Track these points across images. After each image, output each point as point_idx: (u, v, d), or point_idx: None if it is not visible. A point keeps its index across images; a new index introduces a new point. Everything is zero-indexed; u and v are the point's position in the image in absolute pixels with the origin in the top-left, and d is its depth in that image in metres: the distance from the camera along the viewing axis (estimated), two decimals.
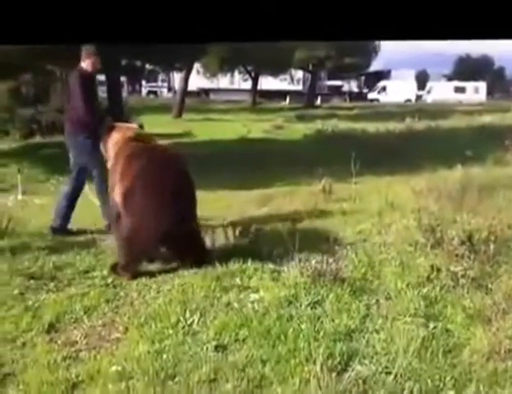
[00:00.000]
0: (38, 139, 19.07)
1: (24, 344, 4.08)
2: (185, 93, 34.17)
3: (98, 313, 4.64)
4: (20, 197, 10.06)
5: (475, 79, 56.23)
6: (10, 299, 4.87)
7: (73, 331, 4.32)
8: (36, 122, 19.15)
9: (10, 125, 19.18)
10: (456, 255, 5.11)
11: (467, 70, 64.42)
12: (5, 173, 12.97)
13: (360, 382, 3.31)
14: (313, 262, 4.97)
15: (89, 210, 7.62)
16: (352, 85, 64.59)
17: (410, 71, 62.06)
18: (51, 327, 4.35)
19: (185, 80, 33.75)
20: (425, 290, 4.60)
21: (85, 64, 7.13)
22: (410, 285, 4.70)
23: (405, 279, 4.83)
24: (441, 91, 54.14)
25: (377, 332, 3.98)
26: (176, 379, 3.49)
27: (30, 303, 4.79)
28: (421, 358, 3.59)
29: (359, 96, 59.70)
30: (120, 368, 3.63)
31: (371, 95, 57.71)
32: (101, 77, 21.21)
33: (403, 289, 4.65)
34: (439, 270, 4.89)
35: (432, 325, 4.03)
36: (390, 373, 3.38)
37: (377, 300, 4.52)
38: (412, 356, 3.58)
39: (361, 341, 3.84)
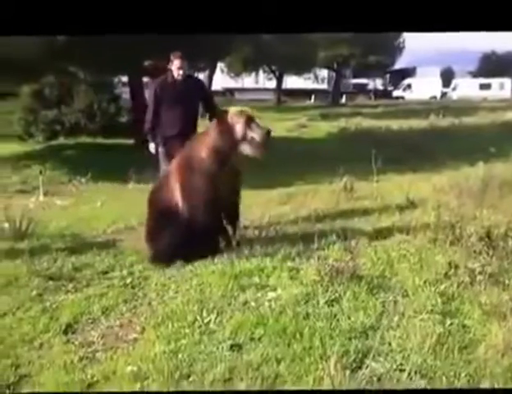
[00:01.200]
0: (61, 140, 19.23)
1: (41, 345, 4.12)
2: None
3: (115, 313, 4.66)
4: (41, 198, 10.17)
5: (500, 75, 55.52)
6: (28, 300, 4.92)
7: (90, 331, 4.35)
8: (59, 124, 19.32)
9: (33, 127, 19.36)
10: (474, 252, 5.07)
11: (492, 66, 63.61)
12: (28, 175, 13.11)
13: (375, 379, 3.29)
14: (331, 260, 4.95)
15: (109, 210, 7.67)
16: (377, 83, 64.24)
17: (435, 69, 61.55)
18: (68, 328, 4.38)
19: (209, 80, 33.82)
20: (442, 287, 4.54)
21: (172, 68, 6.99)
22: (428, 282, 4.65)
23: (423, 276, 4.78)
24: (466, 88, 53.62)
25: (393, 329, 3.94)
26: (191, 379, 3.49)
27: (48, 304, 4.84)
28: (436, 354, 3.55)
29: (385, 94, 59.31)
30: (135, 368, 3.63)
31: (396, 93, 57.35)
32: (124, 78, 21.40)
33: (420, 286, 4.60)
34: (457, 267, 4.83)
35: (448, 322, 3.98)
36: (404, 370, 3.35)
37: (394, 298, 4.48)
38: (427, 353, 3.54)
39: (376, 338, 3.81)
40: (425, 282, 4.62)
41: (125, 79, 21.66)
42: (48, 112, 19.45)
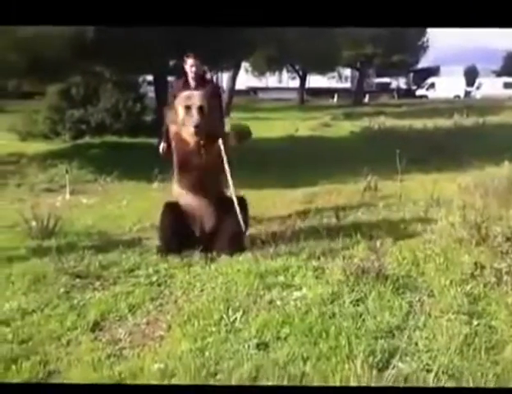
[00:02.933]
0: (86, 139, 19.34)
1: (69, 342, 4.14)
2: (233, 92, 34.24)
3: (142, 311, 4.68)
4: (68, 197, 10.24)
5: None
6: (55, 297, 4.94)
7: (117, 329, 4.36)
8: (85, 123, 19.41)
9: (59, 126, 19.48)
10: (501, 252, 5.03)
11: None
12: (54, 174, 13.20)
13: (401, 379, 3.27)
14: (356, 259, 4.93)
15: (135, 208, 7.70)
16: (400, 82, 63.85)
17: (459, 67, 61.15)
18: (95, 326, 4.40)
19: (233, 80, 33.82)
20: (468, 288, 4.52)
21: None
22: (454, 282, 4.62)
23: (449, 276, 4.76)
24: (490, 87, 53.07)
25: (420, 329, 3.93)
26: (218, 377, 3.50)
27: (76, 301, 4.86)
28: (463, 355, 3.52)
29: (408, 93, 58.92)
30: (162, 365, 3.64)
31: (419, 92, 56.97)
32: (149, 77, 21.47)
33: (446, 286, 4.58)
34: (483, 267, 4.81)
35: (475, 322, 3.96)
36: (431, 370, 3.33)
37: (420, 298, 4.46)
38: (454, 354, 3.51)
39: (403, 338, 3.79)
40: (451, 282, 4.60)
41: (150, 78, 21.71)
42: (74, 111, 19.53)
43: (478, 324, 3.93)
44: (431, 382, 3.21)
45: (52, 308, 4.74)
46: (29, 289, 5.16)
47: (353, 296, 4.43)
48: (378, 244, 5.42)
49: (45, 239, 6.71)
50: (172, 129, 6.15)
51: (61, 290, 5.13)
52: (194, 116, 5.89)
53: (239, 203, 6.14)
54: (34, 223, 6.86)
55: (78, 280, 5.38)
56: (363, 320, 4.04)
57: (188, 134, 5.96)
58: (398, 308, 4.22)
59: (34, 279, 5.36)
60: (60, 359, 3.88)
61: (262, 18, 3.21)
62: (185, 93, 6.21)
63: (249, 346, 3.81)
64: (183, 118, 5.96)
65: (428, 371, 3.34)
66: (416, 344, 3.70)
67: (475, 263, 4.82)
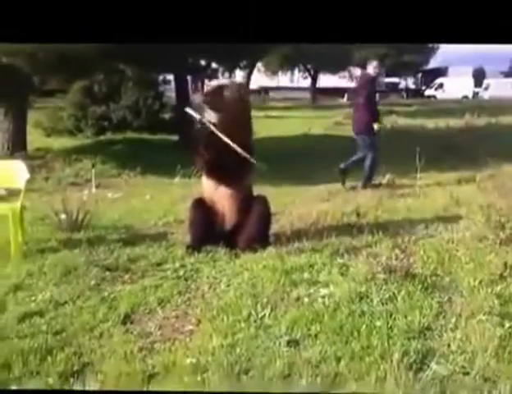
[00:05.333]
0: (109, 135, 19.33)
1: (101, 334, 4.04)
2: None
3: (171, 304, 4.57)
4: (94, 191, 10.19)
5: None
6: (87, 289, 4.86)
7: (147, 322, 4.26)
8: (107, 120, 19.41)
9: (83, 122, 19.50)
10: None
11: None
12: (79, 168, 13.15)
13: (437, 381, 3.15)
14: (384, 257, 4.80)
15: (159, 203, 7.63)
16: (409, 82, 63.51)
17: (467, 68, 60.61)
18: (126, 318, 4.30)
19: (248, 79, 33.77)
20: (498, 288, 4.37)
21: (370, 69, 9.65)
22: (483, 282, 4.48)
23: (477, 276, 4.61)
24: (498, 88, 52.64)
25: (452, 330, 3.79)
26: (251, 373, 3.40)
27: (106, 294, 4.77)
28: (499, 358, 3.39)
29: (417, 93, 58.59)
30: (194, 360, 3.55)
31: (428, 92, 56.62)
32: (169, 76, 21.42)
33: (475, 286, 4.44)
34: None
35: (507, 324, 3.80)
36: (467, 373, 3.20)
37: (450, 298, 4.32)
38: (490, 356, 3.38)
39: (435, 339, 3.67)
40: (480, 283, 4.46)
41: (169, 77, 21.69)
42: (96, 108, 19.54)
43: (511, 326, 3.78)
44: (468, 385, 3.09)
45: (83, 300, 4.65)
46: (60, 280, 5.07)
47: (381, 295, 4.31)
48: (405, 242, 5.29)
49: (74, 231, 6.63)
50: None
51: (92, 282, 5.04)
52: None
53: (261, 201, 6.05)
54: (63, 216, 6.78)
55: (108, 272, 5.30)
56: (394, 319, 3.91)
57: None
58: (428, 307, 4.08)
59: (66, 271, 5.27)
60: (94, 351, 3.78)
61: (278, 34, 3.13)
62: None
63: (280, 343, 3.70)
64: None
65: (465, 374, 3.22)
66: (449, 345, 3.56)
67: (504, 264, 4.67)
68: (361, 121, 9.66)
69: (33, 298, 4.67)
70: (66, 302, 4.60)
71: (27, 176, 6.18)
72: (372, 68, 9.66)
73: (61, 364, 3.56)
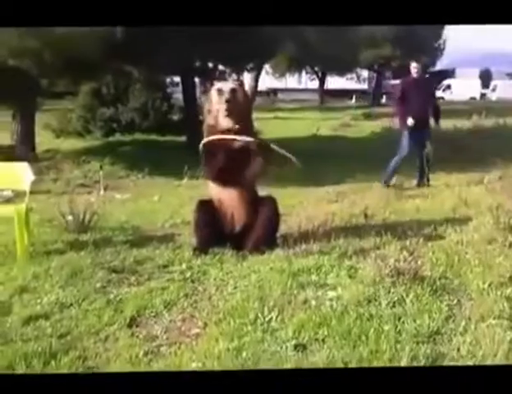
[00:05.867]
0: (117, 137, 19.34)
1: (106, 337, 3.96)
2: (255, 92, 34.11)
3: (177, 307, 4.49)
4: (102, 192, 10.15)
5: None
6: (93, 292, 4.79)
7: (154, 325, 4.18)
8: (115, 121, 19.42)
9: (91, 124, 19.52)
10: None
11: None
12: (88, 169, 13.15)
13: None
14: (392, 260, 4.70)
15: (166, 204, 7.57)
16: None
17: (474, 70, 60.45)
18: (132, 321, 4.21)
19: (256, 81, 33.72)
20: (508, 291, 4.27)
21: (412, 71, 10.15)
22: (492, 285, 4.38)
23: (487, 279, 4.51)
24: (505, 89, 52.51)
25: (461, 334, 3.69)
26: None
27: (112, 296, 4.70)
28: (509, 362, 3.29)
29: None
30: (200, 364, 3.47)
31: (436, 93, 56.47)
32: (176, 78, 21.42)
33: (485, 289, 4.34)
34: None
35: None
36: None
37: (459, 301, 4.23)
38: (500, 361, 3.28)
39: (445, 343, 3.57)
40: (489, 285, 4.36)
41: (176, 79, 21.69)
42: (105, 109, 19.56)
43: None
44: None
45: (89, 302, 4.57)
46: (66, 283, 5.00)
47: (389, 298, 4.21)
48: (413, 244, 5.19)
49: (81, 233, 6.58)
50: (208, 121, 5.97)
51: (98, 284, 4.97)
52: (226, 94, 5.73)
53: (269, 202, 5.98)
54: (70, 217, 6.73)
55: (114, 274, 5.22)
56: (403, 323, 3.82)
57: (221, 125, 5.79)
58: (437, 311, 3.98)
59: (72, 273, 5.19)
60: (99, 355, 3.71)
61: (280, 16, 3.06)
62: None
63: (287, 347, 3.61)
64: (216, 102, 5.79)
65: None
66: (458, 350, 3.47)
67: None
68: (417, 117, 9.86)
69: (38, 300, 4.60)
70: (71, 305, 4.53)
71: (32, 177, 6.12)
72: (413, 69, 10.17)
73: (65, 368, 3.49)
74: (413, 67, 10.13)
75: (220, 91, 5.78)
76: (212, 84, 6.01)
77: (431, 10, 3.00)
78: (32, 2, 3.22)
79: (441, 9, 2.98)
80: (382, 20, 3.24)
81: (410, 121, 9.74)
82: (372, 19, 3.17)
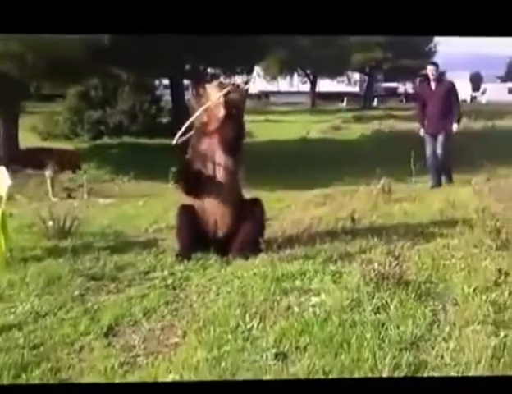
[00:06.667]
0: (105, 140, 19.24)
1: (81, 348, 3.83)
2: (247, 95, 34.07)
3: (157, 315, 4.37)
4: (85, 197, 10.04)
5: None
6: (70, 300, 4.66)
7: (131, 335, 4.06)
8: (103, 124, 19.33)
9: (79, 126, 19.42)
10: None
11: None
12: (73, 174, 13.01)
13: None
14: (376, 264, 4.60)
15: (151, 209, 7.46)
16: (407, 87, 63.44)
17: (465, 73, 60.83)
18: (109, 331, 4.09)
19: (246, 83, 33.68)
20: (493, 296, 4.17)
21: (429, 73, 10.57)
22: (477, 289, 4.29)
23: (472, 283, 4.41)
24: (495, 92, 52.87)
25: (445, 340, 3.59)
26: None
27: (90, 305, 4.57)
28: (493, 370, 3.19)
29: (415, 97, 58.53)
30: (177, 376, 3.36)
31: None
32: (165, 81, 21.35)
33: (470, 294, 4.24)
34: (507, 274, 4.45)
35: (502, 333, 3.60)
36: None
37: (444, 306, 4.13)
38: (483, 369, 3.18)
39: (428, 350, 3.47)
40: (474, 290, 4.26)
41: (165, 81, 21.64)
42: (92, 112, 19.47)
43: (506, 336, 3.57)
44: None
45: (65, 311, 4.43)
46: (43, 291, 4.86)
47: (373, 303, 4.11)
48: (398, 248, 5.09)
49: (61, 239, 6.44)
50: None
51: (76, 292, 4.83)
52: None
53: (255, 206, 5.89)
54: (50, 223, 6.60)
55: (93, 282, 5.09)
56: (386, 329, 3.71)
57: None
58: (421, 316, 3.88)
59: (49, 280, 5.06)
60: (72, 367, 3.58)
61: (272, 26, 3.00)
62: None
63: (267, 356, 3.49)
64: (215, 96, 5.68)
65: None
66: (442, 357, 3.36)
67: (499, 270, 4.46)
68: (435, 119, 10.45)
69: (12, 310, 4.47)
70: (46, 314, 4.39)
71: (9, 182, 5.99)
72: (429, 72, 10.61)
73: (36, 381, 3.37)
74: (429, 70, 10.55)
75: (221, 84, 5.75)
76: (204, 87, 5.88)
77: (423, 22, 2.95)
78: (18, 9, 3.11)
79: (434, 21, 2.93)
80: (375, 31, 3.17)
81: (422, 132, 10.47)
82: (365, 29, 3.11)
